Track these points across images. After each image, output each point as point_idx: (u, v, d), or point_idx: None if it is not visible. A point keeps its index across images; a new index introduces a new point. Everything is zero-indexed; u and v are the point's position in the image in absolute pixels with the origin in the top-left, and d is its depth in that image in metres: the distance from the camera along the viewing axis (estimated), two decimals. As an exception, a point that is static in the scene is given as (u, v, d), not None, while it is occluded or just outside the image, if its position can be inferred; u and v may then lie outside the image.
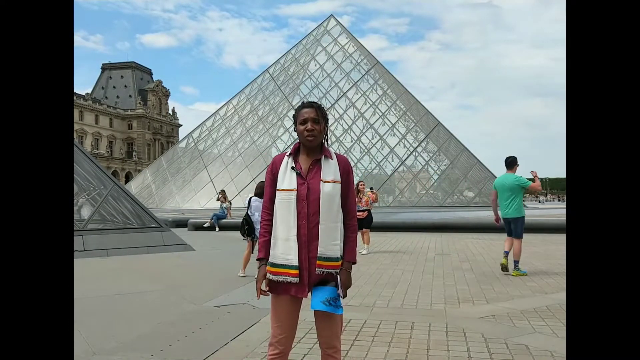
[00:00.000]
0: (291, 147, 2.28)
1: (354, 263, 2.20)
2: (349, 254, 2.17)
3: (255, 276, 2.22)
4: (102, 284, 6.42)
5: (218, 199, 18.10)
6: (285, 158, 2.21)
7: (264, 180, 2.55)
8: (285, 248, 2.10)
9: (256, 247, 5.84)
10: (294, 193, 2.11)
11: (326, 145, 2.23)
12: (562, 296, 5.29)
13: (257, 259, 2.22)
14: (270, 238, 2.17)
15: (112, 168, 78.40)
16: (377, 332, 3.92)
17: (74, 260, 8.08)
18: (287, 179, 2.14)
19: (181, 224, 17.76)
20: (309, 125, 2.15)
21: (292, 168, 2.16)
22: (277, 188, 2.16)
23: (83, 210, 11.30)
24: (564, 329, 3.97)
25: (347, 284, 2.14)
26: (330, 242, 2.10)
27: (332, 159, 2.20)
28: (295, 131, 2.23)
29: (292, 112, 2.28)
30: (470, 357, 3.30)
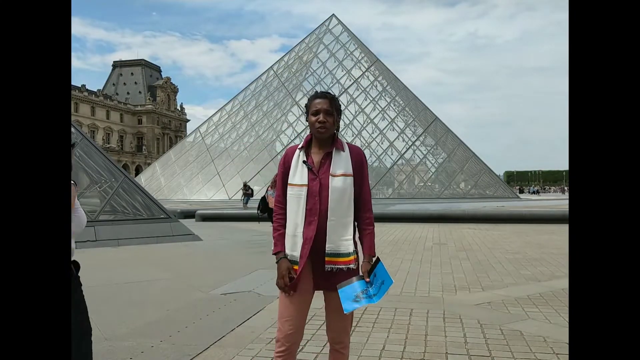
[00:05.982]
0: (304, 139, 2.16)
1: (374, 256, 2.10)
2: (368, 248, 2.08)
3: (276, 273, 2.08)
4: (114, 273, 6.58)
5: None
6: (297, 151, 2.09)
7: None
8: (291, 244, 2.04)
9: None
10: (305, 189, 2.02)
11: (338, 137, 2.11)
12: (555, 284, 5.42)
13: (274, 253, 2.10)
14: (284, 231, 2.08)
15: (122, 161, 79.19)
16: (377, 318, 4.00)
17: (86, 250, 8.14)
18: (298, 174, 2.05)
19: (189, 215, 17.97)
20: (321, 117, 2.03)
21: (304, 162, 2.06)
22: (288, 182, 2.07)
23: (95, 202, 11.52)
24: (557, 316, 4.08)
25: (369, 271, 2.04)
26: (339, 238, 2.01)
27: (343, 151, 2.08)
28: (307, 121, 2.11)
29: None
30: (466, 343, 3.37)
